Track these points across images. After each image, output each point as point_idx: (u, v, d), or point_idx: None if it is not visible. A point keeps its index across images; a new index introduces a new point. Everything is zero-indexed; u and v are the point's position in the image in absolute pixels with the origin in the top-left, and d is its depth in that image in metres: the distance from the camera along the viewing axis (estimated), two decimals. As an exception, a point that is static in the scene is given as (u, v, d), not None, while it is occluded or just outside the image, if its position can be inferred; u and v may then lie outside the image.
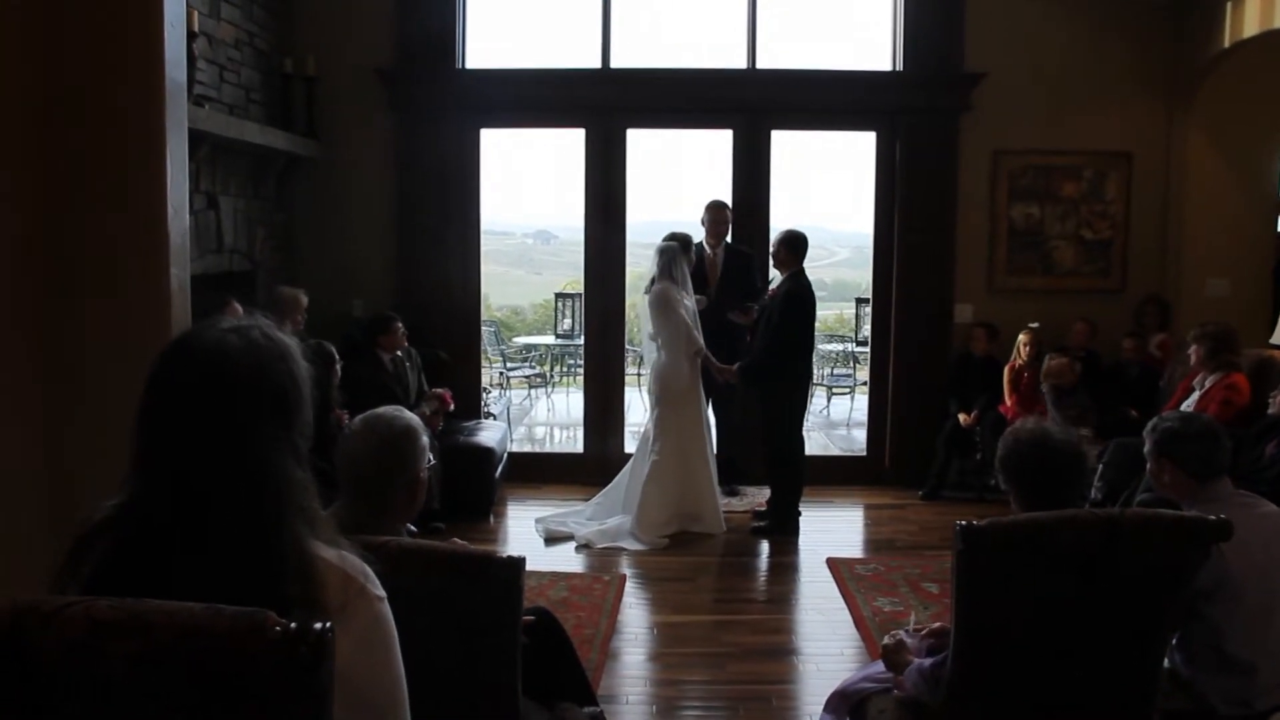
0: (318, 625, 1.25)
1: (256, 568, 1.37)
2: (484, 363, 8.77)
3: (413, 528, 2.84)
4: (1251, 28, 6.26)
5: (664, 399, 6.24)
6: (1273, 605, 2.84)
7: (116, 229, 2.49)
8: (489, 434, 6.87)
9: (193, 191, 5.38)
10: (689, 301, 6.25)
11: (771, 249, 6.33)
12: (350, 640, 1.40)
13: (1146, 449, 3.10)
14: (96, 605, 1.26)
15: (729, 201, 7.14)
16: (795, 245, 6.17)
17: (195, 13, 5.10)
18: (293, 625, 1.24)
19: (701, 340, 6.23)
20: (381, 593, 1.49)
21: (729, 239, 7.02)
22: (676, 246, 6.25)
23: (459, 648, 2.32)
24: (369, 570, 1.50)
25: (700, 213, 7.02)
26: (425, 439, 2.54)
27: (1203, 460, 2.98)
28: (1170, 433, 3.02)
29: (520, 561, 2.32)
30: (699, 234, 6.91)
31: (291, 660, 1.24)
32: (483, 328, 8.25)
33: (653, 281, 6.24)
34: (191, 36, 4.96)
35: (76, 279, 2.50)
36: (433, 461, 2.59)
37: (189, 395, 1.41)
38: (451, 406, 6.56)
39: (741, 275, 6.92)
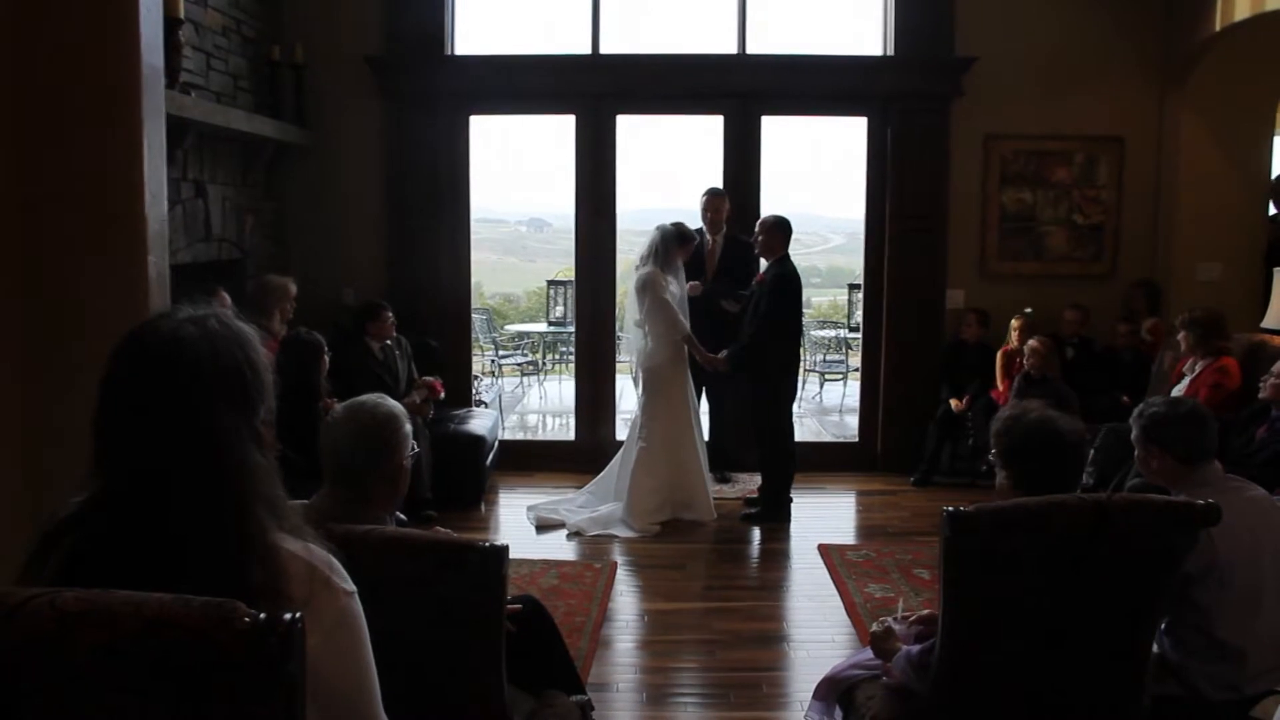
0: (287, 616, 1.24)
1: (222, 556, 1.36)
2: (476, 351, 8.75)
3: (404, 516, 2.82)
4: (1243, 10, 6.23)
5: (650, 385, 6.22)
6: (1261, 590, 2.83)
7: (93, 217, 2.45)
8: (480, 422, 6.86)
9: (180, 180, 5.35)
10: (675, 288, 6.22)
11: (757, 235, 6.25)
12: (316, 633, 1.38)
13: (1134, 435, 3.08)
14: (62, 596, 1.25)
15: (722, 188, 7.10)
16: (783, 230, 6.15)
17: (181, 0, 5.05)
18: (262, 616, 1.23)
19: (688, 326, 6.20)
20: (350, 587, 1.47)
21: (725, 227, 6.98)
22: (671, 232, 6.22)
23: (443, 637, 2.31)
24: (335, 562, 1.48)
25: (692, 200, 7.00)
26: (408, 427, 2.52)
27: (1190, 444, 2.96)
28: (1157, 417, 3.01)
29: (502, 550, 2.30)
30: (695, 222, 6.86)
31: (260, 651, 1.23)
32: (474, 315, 8.23)
33: (641, 266, 6.21)
34: (177, 24, 4.91)
35: (53, 269, 2.47)
36: (415, 449, 2.57)
37: (146, 387, 1.40)
38: (441, 394, 6.53)
39: (740, 264, 6.86)
